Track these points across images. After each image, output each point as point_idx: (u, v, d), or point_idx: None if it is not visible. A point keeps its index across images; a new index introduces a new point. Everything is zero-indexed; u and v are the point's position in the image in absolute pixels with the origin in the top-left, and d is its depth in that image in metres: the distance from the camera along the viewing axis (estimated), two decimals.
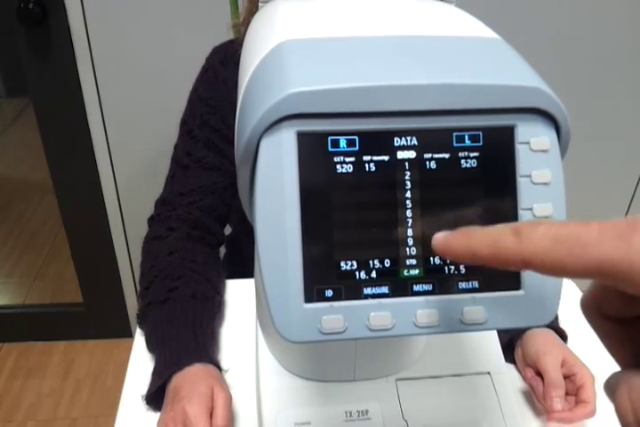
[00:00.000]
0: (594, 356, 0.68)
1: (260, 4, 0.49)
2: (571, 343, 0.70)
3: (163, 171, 0.88)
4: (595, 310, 0.24)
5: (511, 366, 0.70)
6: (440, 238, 0.25)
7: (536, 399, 0.65)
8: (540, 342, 0.67)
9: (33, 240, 2.12)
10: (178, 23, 1.26)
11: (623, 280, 0.19)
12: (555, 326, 0.71)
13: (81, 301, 1.71)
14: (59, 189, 1.49)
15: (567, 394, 0.63)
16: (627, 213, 1.60)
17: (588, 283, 0.25)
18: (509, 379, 0.57)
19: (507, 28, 0.53)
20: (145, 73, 1.32)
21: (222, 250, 0.96)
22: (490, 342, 0.58)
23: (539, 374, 0.65)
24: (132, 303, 1.67)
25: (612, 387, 0.22)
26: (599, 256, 0.19)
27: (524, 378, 0.67)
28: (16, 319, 1.77)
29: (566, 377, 0.64)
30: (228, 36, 0.91)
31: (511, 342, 0.71)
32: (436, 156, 0.32)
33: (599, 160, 1.51)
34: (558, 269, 0.20)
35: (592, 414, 0.61)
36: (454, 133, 0.32)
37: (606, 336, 0.24)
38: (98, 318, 1.73)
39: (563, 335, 0.71)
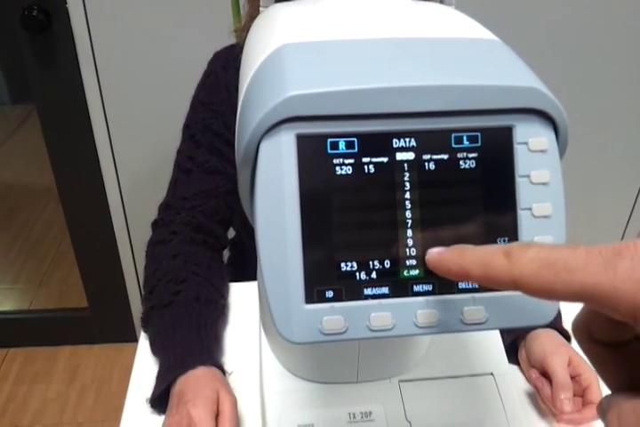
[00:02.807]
0: None
1: (260, 9, 0.50)
2: (574, 344, 0.70)
3: (166, 175, 0.89)
4: (585, 333, 0.24)
5: (515, 368, 0.70)
6: (434, 255, 0.25)
7: (540, 401, 0.65)
8: (545, 343, 0.67)
9: (38, 246, 2.13)
10: (180, 28, 1.27)
11: (608, 306, 0.20)
12: (558, 327, 0.70)
13: (86, 305, 1.71)
14: (63, 194, 1.50)
15: (573, 395, 0.63)
16: (631, 214, 1.60)
17: None
18: (513, 380, 0.57)
19: (505, 30, 0.53)
20: (148, 78, 1.32)
21: (226, 253, 0.96)
22: (493, 343, 0.58)
23: (543, 375, 0.65)
24: (137, 307, 1.67)
25: (603, 410, 0.22)
26: (585, 282, 0.20)
27: (529, 379, 0.67)
28: (21, 325, 1.78)
29: (572, 378, 0.64)
30: (229, 40, 0.91)
31: (514, 343, 0.71)
32: (434, 157, 0.32)
33: (599, 160, 1.51)
34: (546, 293, 0.21)
35: None
36: (453, 134, 0.32)
37: (596, 360, 0.24)
38: (103, 323, 1.73)
39: (566, 336, 0.70)
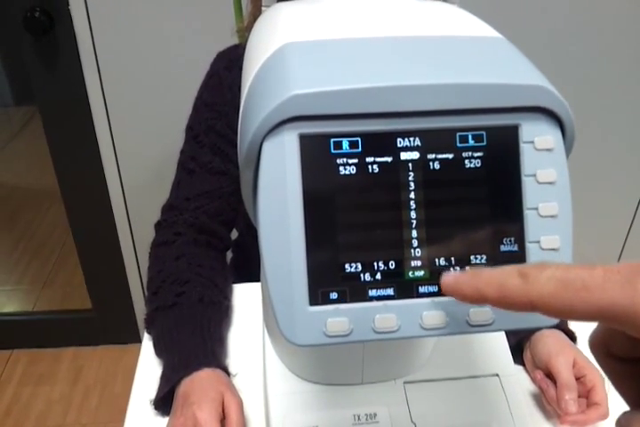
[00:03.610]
0: None
1: (262, 8, 0.50)
2: (579, 345, 0.70)
3: (169, 177, 0.88)
4: (602, 349, 0.24)
5: (520, 368, 0.70)
6: (449, 278, 0.25)
7: (545, 402, 0.64)
8: (551, 343, 0.66)
9: (41, 247, 2.13)
10: (183, 29, 1.27)
11: (628, 324, 0.20)
12: (563, 328, 0.70)
13: (90, 307, 1.71)
14: (66, 196, 1.50)
15: (578, 396, 0.63)
16: (635, 213, 1.59)
17: None
18: (518, 381, 0.56)
19: (511, 27, 0.52)
20: (150, 80, 1.32)
21: (229, 255, 0.96)
22: (498, 344, 0.58)
23: (548, 375, 0.65)
24: (140, 309, 1.67)
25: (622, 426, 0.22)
26: (604, 301, 0.20)
27: (534, 380, 0.67)
28: (25, 326, 1.78)
29: (576, 379, 0.63)
30: (232, 41, 0.91)
31: (519, 344, 0.70)
32: (439, 156, 0.32)
33: (606, 159, 1.51)
34: (565, 313, 0.21)
35: (605, 416, 0.61)
36: (458, 133, 0.32)
37: (614, 376, 0.24)
38: (107, 324, 1.73)
39: (572, 337, 0.70)
